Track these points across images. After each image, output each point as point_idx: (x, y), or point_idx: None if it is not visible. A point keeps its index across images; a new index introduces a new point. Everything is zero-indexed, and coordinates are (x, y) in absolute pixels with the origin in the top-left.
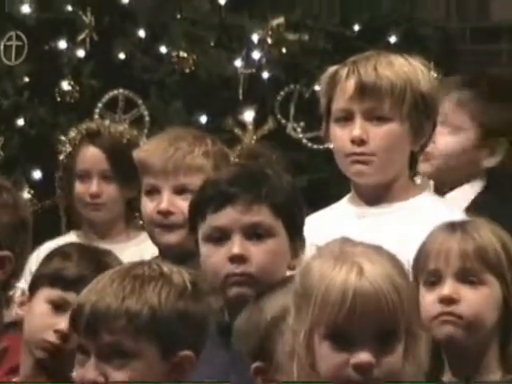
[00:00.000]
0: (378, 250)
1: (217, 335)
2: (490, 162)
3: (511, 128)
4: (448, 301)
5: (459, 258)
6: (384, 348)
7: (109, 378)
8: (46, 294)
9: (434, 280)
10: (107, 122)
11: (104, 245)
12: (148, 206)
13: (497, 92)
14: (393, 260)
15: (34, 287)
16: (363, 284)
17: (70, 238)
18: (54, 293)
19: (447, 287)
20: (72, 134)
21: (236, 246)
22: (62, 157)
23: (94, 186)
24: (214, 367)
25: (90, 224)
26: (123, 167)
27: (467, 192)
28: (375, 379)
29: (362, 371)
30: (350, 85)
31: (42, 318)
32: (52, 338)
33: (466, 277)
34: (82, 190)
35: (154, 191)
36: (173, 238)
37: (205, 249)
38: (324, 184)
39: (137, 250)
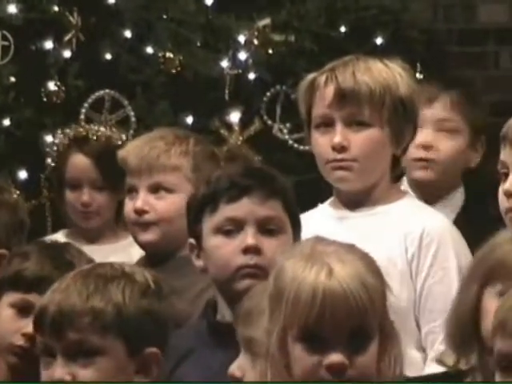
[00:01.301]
0: (351, 248)
1: (209, 336)
2: (473, 163)
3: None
4: None
5: None
6: (356, 348)
7: (76, 377)
8: (9, 298)
9: None
10: (95, 127)
11: (93, 247)
12: (127, 205)
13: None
14: (365, 259)
15: None
16: (333, 284)
17: (59, 237)
18: (16, 296)
19: None
20: (59, 138)
21: (250, 237)
22: (49, 160)
23: (85, 195)
24: (212, 370)
25: (80, 229)
26: (113, 173)
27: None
28: (349, 379)
29: (334, 372)
30: (329, 91)
31: (7, 322)
32: (20, 341)
33: None
34: (73, 198)
35: (132, 190)
36: (148, 236)
37: (215, 240)
38: (311, 185)
39: (125, 251)
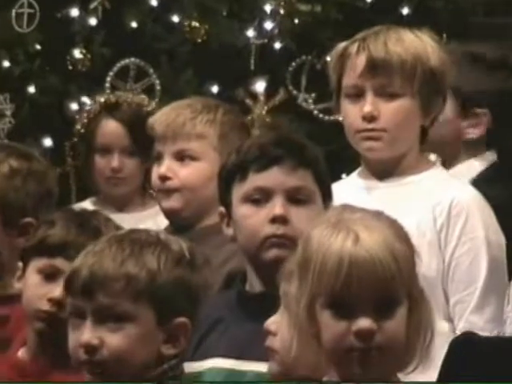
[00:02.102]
0: (378, 215)
1: (237, 306)
2: (473, 133)
3: (489, 99)
4: None
5: None
6: (384, 314)
7: (104, 341)
8: (35, 264)
9: None
10: (125, 94)
11: (120, 215)
12: (154, 171)
13: (474, 63)
14: (393, 225)
15: (25, 259)
16: (359, 251)
17: (86, 205)
18: (42, 262)
19: None
20: (90, 104)
21: (278, 206)
22: (78, 126)
23: (115, 160)
24: (236, 339)
25: (108, 195)
26: (143, 140)
27: (473, 167)
28: (377, 345)
29: (363, 338)
30: (361, 61)
31: (34, 288)
32: (46, 306)
33: None
34: (103, 164)
35: (159, 157)
36: (170, 203)
37: (243, 209)
38: (335, 155)
39: (152, 219)
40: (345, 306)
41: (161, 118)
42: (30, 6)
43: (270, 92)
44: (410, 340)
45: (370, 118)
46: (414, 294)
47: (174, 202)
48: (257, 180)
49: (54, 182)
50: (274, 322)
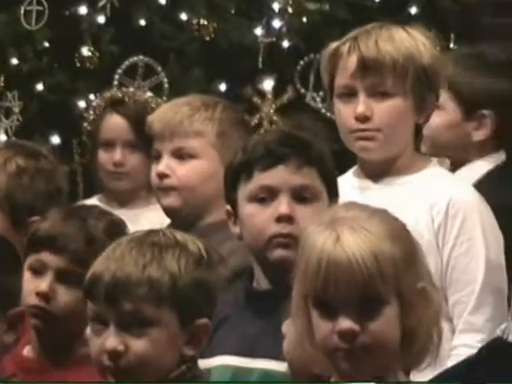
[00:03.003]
0: (374, 214)
1: (245, 303)
2: (478, 135)
3: (493, 100)
4: None
5: None
6: (367, 314)
7: (129, 347)
8: (28, 260)
9: None
10: (132, 90)
11: (124, 212)
12: (153, 169)
13: (478, 65)
14: (389, 224)
15: (24, 258)
16: (337, 252)
17: (93, 202)
18: (32, 257)
19: None
20: (96, 101)
21: (284, 205)
22: (85, 124)
23: (117, 154)
24: (243, 336)
25: (112, 191)
26: (148, 136)
27: (479, 168)
28: (362, 345)
29: (345, 338)
30: (352, 61)
31: (25, 285)
32: (34, 301)
33: None
34: (106, 158)
35: (158, 155)
36: (168, 200)
37: (249, 208)
38: (343, 153)
39: (156, 216)
40: (328, 306)
41: (159, 116)
42: (39, 3)
43: (278, 90)
44: (408, 339)
45: (363, 119)
46: (405, 294)
47: (172, 200)
48: (262, 179)
49: (63, 179)
50: (285, 324)
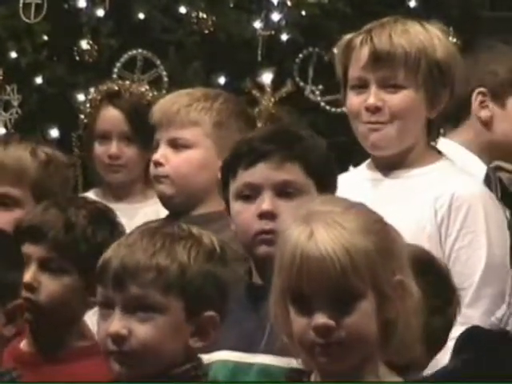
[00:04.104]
0: (350, 208)
1: (245, 298)
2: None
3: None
4: None
5: None
6: (342, 309)
7: (132, 331)
8: None
9: None
10: (128, 83)
11: (121, 205)
12: (152, 159)
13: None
14: (364, 218)
15: None
16: (310, 247)
17: (90, 196)
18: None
19: None
20: (93, 94)
21: (266, 202)
22: (82, 117)
23: (113, 147)
24: (243, 331)
25: (108, 185)
26: (143, 129)
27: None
28: (338, 340)
29: (321, 334)
30: (364, 53)
31: None
32: (22, 294)
33: None
34: (102, 151)
35: (157, 145)
36: (161, 188)
37: (235, 206)
38: (342, 147)
39: (153, 210)
40: (303, 302)
41: (159, 106)
42: None
43: (277, 84)
44: (386, 332)
45: (374, 109)
46: (381, 287)
47: (164, 188)
48: (245, 176)
49: (71, 172)
50: None
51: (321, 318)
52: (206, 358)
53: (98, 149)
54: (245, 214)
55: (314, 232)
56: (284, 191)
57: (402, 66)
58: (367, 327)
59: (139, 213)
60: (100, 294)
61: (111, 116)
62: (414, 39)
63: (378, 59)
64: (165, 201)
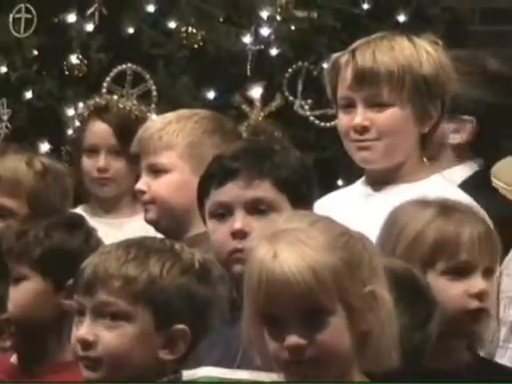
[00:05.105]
0: (315, 223)
1: (229, 314)
2: (454, 138)
3: (477, 107)
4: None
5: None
6: (313, 327)
7: (99, 338)
8: None
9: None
10: (116, 98)
11: (109, 219)
12: (135, 189)
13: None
14: (326, 234)
15: None
16: (275, 268)
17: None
18: None
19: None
20: (81, 109)
21: (237, 221)
22: (70, 131)
23: (101, 160)
24: (226, 347)
25: (97, 199)
26: (131, 142)
27: (457, 174)
28: (311, 357)
29: (294, 353)
30: (349, 73)
31: None
32: None
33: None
34: (90, 164)
35: (140, 172)
36: (147, 215)
37: (210, 225)
38: (331, 162)
39: (142, 224)
40: (273, 323)
41: (137, 135)
42: (28, 11)
43: (266, 98)
44: (361, 343)
45: (361, 129)
46: (351, 301)
47: (150, 214)
48: (216, 196)
49: (71, 182)
50: None
51: (292, 338)
52: (191, 373)
53: (86, 162)
54: (218, 233)
55: (278, 252)
56: (256, 208)
57: (386, 83)
58: (339, 342)
59: (127, 227)
60: (75, 301)
61: (99, 129)
62: (398, 56)
63: (362, 78)
64: (154, 226)
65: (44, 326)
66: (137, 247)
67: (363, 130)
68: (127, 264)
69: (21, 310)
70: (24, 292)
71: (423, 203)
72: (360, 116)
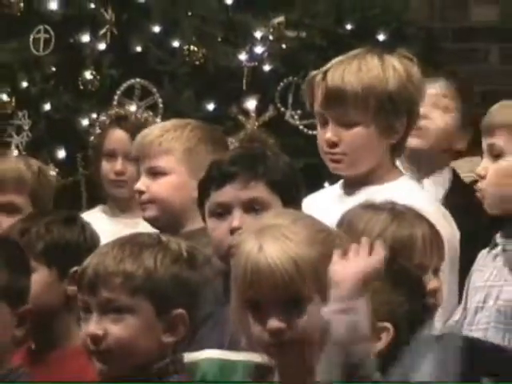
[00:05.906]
0: (297, 220)
1: (225, 300)
2: (460, 144)
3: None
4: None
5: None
6: (292, 312)
7: (107, 331)
8: None
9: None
10: (132, 109)
11: (124, 219)
12: (134, 189)
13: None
14: (307, 230)
15: None
16: (260, 260)
17: (96, 212)
18: None
19: (431, 281)
20: (102, 117)
21: (236, 219)
22: (91, 138)
23: (118, 164)
24: (226, 331)
25: (114, 199)
26: None
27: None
28: (289, 340)
29: (275, 335)
30: (320, 92)
31: None
32: None
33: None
34: (108, 168)
35: (140, 174)
36: (146, 214)
37: (210, 223)
38: (319, 167)
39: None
40: (257, 309)
41: (135, 141)
42: (46, 31)
43: (260, 109)
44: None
45: (332, 144)
46: (327, 291)
47: (148, 212)
48: (216, 197)
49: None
50: None
51: (274, 322)
52: (194, 355)
53: (105, 166)
54: (218, 230)
55: (263, 246)
56: (252, 208)
57: (352, 103)
58: (316, 327)
59: (140, 225)
60: (80, 300)
61: (117, 136)
62: (363, 77)
63: (331, 98)
64: (151, 223)
65: (54, 313)
66: (130, 244)
67: (333, 144)
68: (124, 261)
69: (33, 300)
70: (33, 283)
71: (374, 208)
72: (330, 132)
